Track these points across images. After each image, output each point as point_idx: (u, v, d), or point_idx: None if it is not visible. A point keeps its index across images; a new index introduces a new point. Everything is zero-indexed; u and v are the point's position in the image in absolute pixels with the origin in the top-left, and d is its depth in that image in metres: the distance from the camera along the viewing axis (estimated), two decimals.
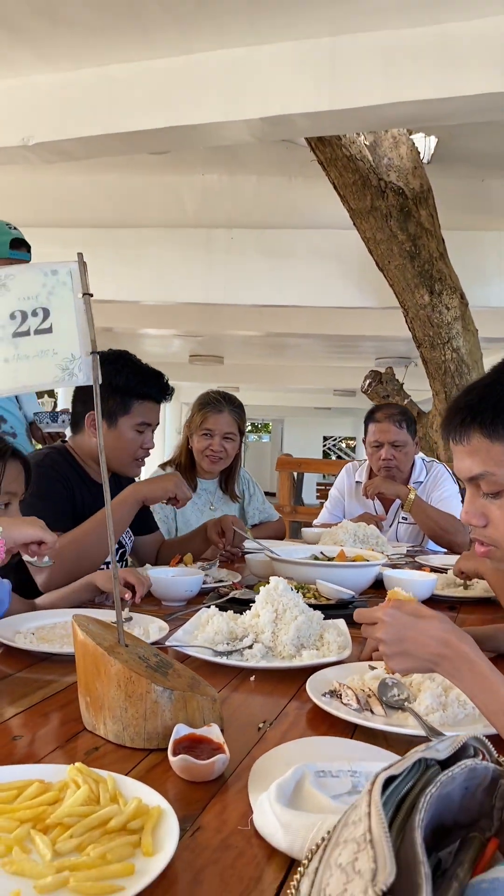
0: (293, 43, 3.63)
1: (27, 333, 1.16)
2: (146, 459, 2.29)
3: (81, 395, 2.24)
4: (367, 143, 4.63)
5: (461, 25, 3.36)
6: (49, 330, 1.17)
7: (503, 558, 1.17)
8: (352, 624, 1.65)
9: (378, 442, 3.34)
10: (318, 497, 14.71)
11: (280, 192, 5.77)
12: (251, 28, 3.54)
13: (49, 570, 1.85)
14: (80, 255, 1.19)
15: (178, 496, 2.12)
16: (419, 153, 4.87)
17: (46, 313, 1.17)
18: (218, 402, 3.00)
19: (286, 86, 3.67)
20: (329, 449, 21.93)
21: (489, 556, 1.19)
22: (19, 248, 2.79)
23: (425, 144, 4.90)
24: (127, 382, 2.15)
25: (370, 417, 3.44)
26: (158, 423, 2.29)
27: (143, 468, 2.31)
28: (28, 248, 2.84)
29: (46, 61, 3.91)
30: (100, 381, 1.20)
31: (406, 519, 3.27)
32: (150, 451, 2.26)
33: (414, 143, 4.81)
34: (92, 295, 1.19)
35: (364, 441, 3.49)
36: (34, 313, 1.16)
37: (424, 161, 4.93)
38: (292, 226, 6.16)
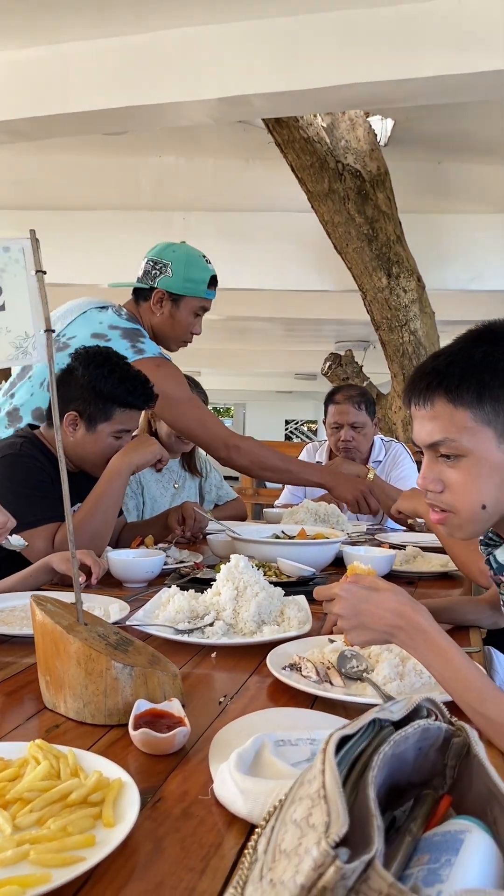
0: (251, 22, 3.60)
1: None
2: None
3: (61, 392, 2.18)
4: (325, 126, 4.63)
5: (417, 6, 3.37)
6: (2, 308, 1.16)
7: (459, 525, 1.17)
8: (312, 600, 1.67)
9: (337, 423, 3.37)
10: None
11: (238, 175, 5.74)
12: (208, 7, 3.50)
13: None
14: (32, 231, 1.17)
15: (162, 458, 2.13)
16: (376, 136, 4.88)
17: None
18: (194, 382, 3.11)
19: (243, 66, 3.64)
20: (291, 432, 22.01)
21: (445, 522, 1.19)
22: (213, 287, 2.65)
23: (382, 127, 4.92)
24: (112, 390, 2.09)
25: (330, 399, 3.47)
26: (137, 428, 2.27)
27: None
28: (216, 284, 2.68)
29: None
30: (55, 361, 1.19)
31: None
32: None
33: (371, 126, 4.82)
34: (45, 272, 1.18)
35: (324, 422, 3.52)
36: None
37: (381, 144, 4.94)
38: (250, 209, 6.13)
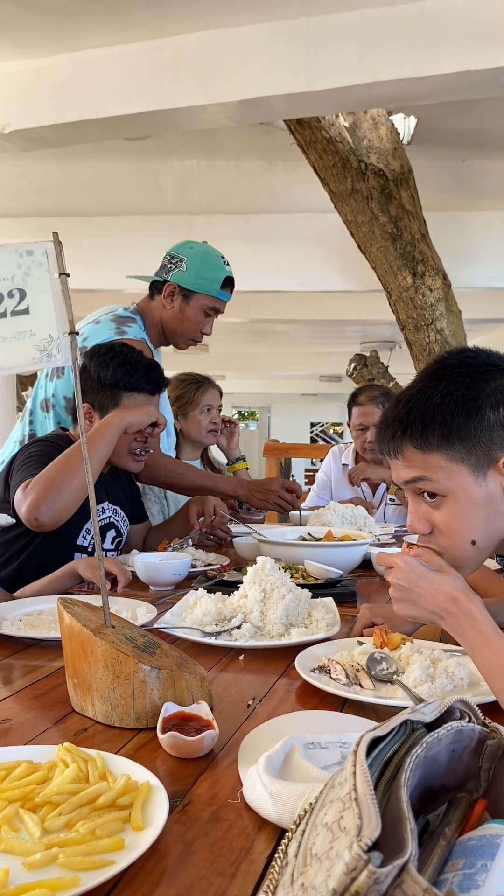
0: (269, 24, 3.60)
1: (3, 315, 1.15)
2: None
3: (81, 386, 2.21)
4: (347, 125, 4.61)
5: (438, 3, 3.35)
6: (26, 311, 1.16)
7: (454, 565, 1.16)
8: (340, 602, 1.66)
9: (362, 425, 3.36)
10: (306, 483, 14.73)
11: (260, 177, 5.74)
12: (226, 10, 3.51)
13: (34, 497, 1.86)
14: (55, 234, 1.17)
15: (159, 421, 2.11)
16: (399, 134, 4.85)
17: (23, 294, 1.16)
18: (207, 379, 3.19)
19: (263, 68, 3.64)
20: (317, 435, 21.94)
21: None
22: (227, 288, 2.63)
23: (405, 125, 4.88)
24: (114, 376, 2.12)
25: (353, 401, 3.45)
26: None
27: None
28: (232, 287, 2.66)
29: (21, 48, 3.86)
30: (79, 363, 1.19)
31: (393, 501, 3.29)
32: (146, 444, 2.23)
33: (393, 125, 4.79)
34: (69, 275, 1.18)
35: (349, 425, 3.51)
36: (10, 294, 1.15)
37: (404, 142, 4.91)
38: (273, 210, 6.13)
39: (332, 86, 3.56)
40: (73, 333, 1.16)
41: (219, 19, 3.59)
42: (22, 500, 1.89)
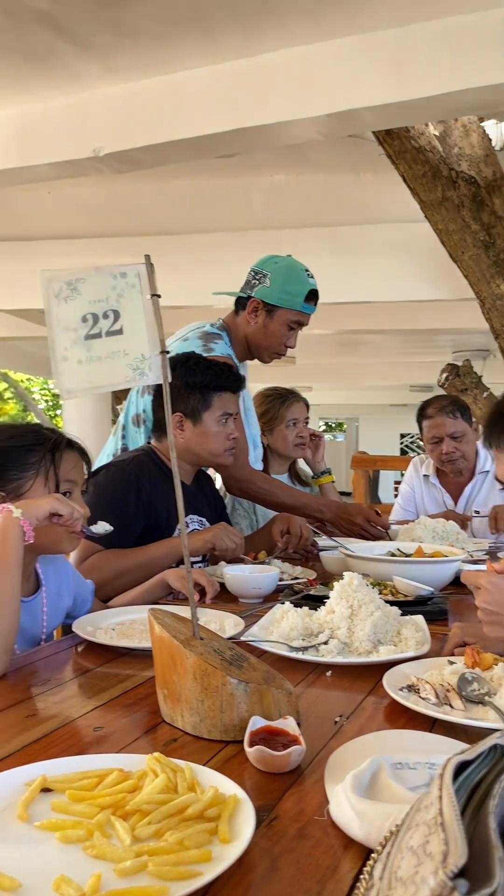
0: (357, 37, 3.60)
1: (99, 335, 1.19)
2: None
3: (159, 400, 2.30)
4: (437, 134, 4.55)
5: None
6: (120, 331, 1.20)
7: None
8: (431, 620, 1.63)
9: (436, 437, 3.29)
10: (395, 496, 14.51)
11: (348, 189, 5.72)
12: (315, 25, 3.53)
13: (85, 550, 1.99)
14: (147, 256, 1.21)
15: (217, 546, 2.10)
16: (491, 141, 4.75)
17: (117, 315, 1.20)
18: (292, 393, 3.22)
19: (352, 80, 3.64)
20: (406, 446, 21.59)
21: None
22: (311, 301, 2.64)
23: (497, 131, 4.78)
24: (203, 378, 2.23)
25: (422, 415, 3.39)
26: (238, 412, 2.35)
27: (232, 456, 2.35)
28: (316, 300, 2.67)
29: (114, 73, 3.99)
30: (170, 380, 1.22)
31: (479, 513, 3.20)
32: (236, 438, 2.31)
33: (485, 131, 4.69)
34: (160, 296, 1.21)
35: (421, 439, 3.44)
36: (105, 315, 1.19)
37: (496, 148, 4.80)
38: (361, 221, 6.10)
39: (422, 95, 3.52)
40: (165, 352, 1.20)
41: (307, 35, 3.62)
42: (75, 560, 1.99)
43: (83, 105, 4.17)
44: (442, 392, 6.49)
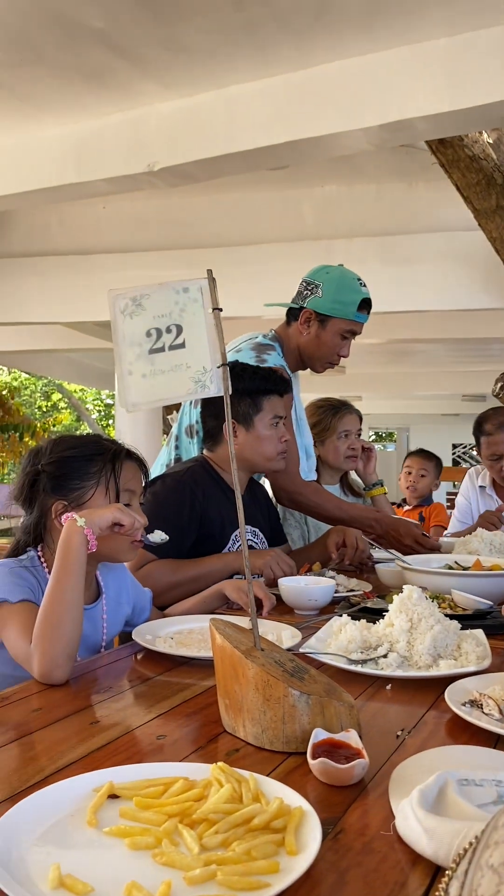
0: (409, 47, 3.60)
1: (162, 350, 1.21)
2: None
3: (212, 410, 2.32)
4: (491, 142, 4.51)
5: None
6: (182, 345, 1.22)
7: None
8: (491, 634, 1.60)
9: (494, 455, 3.24)
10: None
11: (400, 198, 5.71)
12: (368, 36, 3.53)
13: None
14: (209, 271, 1.23)
15: (265, 576, 2.11)
16: None
17: (179, 329, 1.22)
18: (345, 404, 3.22)
19: (404, 91, 3.63)
20: (459, 457, 21.27)
21: None
22: (363, 310, 2.63)
23: None
24: (252, 384, 2.25)
25: (479, 430, 3.34)
26: (287, 415, 2.38)
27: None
28: (369, 309, 2.66)
29: (169, 89, 4.06)
30: (230, 392, 1.24)
31: None
32: (287, 441, 2.33)
33: None
34: (221, 310, 1.23)
35: (478, 453, 3.39)
36: (168, 330, 1.21)
37: None
38: (414, 231, 6.06)
39: (476, 103, 3.50)
40: (225, 365, 1.21)
41: (359, 47, 3.62)
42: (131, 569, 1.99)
43: (138, 121, 4.25)
44: (496, 402, 6.39)
